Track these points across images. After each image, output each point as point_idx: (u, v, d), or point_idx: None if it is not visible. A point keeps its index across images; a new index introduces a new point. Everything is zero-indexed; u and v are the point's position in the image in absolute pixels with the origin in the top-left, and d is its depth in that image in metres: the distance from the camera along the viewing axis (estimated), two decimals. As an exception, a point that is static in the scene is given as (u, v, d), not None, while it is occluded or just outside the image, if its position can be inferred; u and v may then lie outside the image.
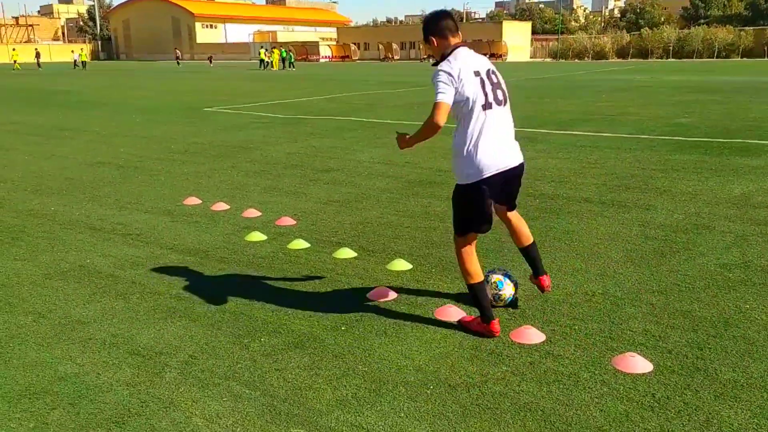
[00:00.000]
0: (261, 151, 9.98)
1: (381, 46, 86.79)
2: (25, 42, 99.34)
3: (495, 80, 3.46)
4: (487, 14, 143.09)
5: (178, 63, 66.34)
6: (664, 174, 7.77)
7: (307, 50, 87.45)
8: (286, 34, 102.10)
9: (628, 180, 7.47)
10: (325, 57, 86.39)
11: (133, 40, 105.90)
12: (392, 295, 4.13)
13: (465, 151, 3.39)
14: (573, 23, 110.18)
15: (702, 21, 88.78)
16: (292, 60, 53.11)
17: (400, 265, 4.66)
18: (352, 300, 4.08)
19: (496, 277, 3.88)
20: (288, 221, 5.92)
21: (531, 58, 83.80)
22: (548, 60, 78.93)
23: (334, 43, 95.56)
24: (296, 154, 9.68)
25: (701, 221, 5.72)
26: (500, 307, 3.83)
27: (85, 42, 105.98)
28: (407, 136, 3.60)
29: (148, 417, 2.82)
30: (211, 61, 68.10)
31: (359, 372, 3.19)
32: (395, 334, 3.60)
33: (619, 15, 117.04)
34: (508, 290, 3.86)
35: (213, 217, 6.17)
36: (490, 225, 3.59)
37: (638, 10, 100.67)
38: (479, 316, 3.59)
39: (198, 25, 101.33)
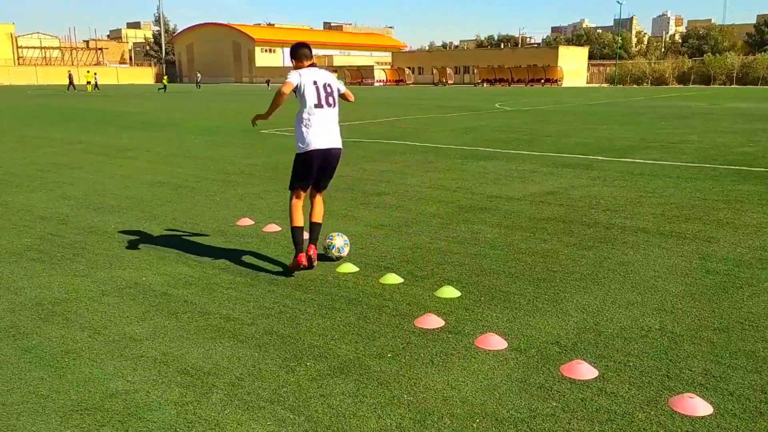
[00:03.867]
0: (314, 174, 10.08)
1: (435, 71, 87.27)
2: (95, 64, 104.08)
3: (329, 90, 5.12)
4: (543, 39, 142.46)
5: (198, 86, 68.03)
6: (726, 205, 7.49)
7: (362, 74, 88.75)
8: (342, 58, 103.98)
9: (688, 210, 7.22)
10: (380, 81, 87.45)
11: (195, 63, 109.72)
12: (440, 322, 4.07)
13: (299, 131, 5.06)
14: (633, 48, 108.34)
15: (767, 47, 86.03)
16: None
17: (449, 292, 4.61)
18: (399, 327, 4.05)
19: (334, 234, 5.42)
20: (338, 244, 5.94)
21: (587, 83, 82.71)
22: (605, 85, 77.72)
23: (389, 67, 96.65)
24: (347, 177, 9.75)
25: (766, 256, 5.46)
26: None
27: (151, 65, 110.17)
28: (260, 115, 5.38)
29: (193, 438, 2.84)
30: (268, 84, 69.83)
31: (404, 401, 3.14)
32: (442, 363, 3.54)
33: (680, 40, 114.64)
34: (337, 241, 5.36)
35: (264, 238, 6.26)
36: (309, 185, 5.21)
37: (702, 35, 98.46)
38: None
39: (257, 49, 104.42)
